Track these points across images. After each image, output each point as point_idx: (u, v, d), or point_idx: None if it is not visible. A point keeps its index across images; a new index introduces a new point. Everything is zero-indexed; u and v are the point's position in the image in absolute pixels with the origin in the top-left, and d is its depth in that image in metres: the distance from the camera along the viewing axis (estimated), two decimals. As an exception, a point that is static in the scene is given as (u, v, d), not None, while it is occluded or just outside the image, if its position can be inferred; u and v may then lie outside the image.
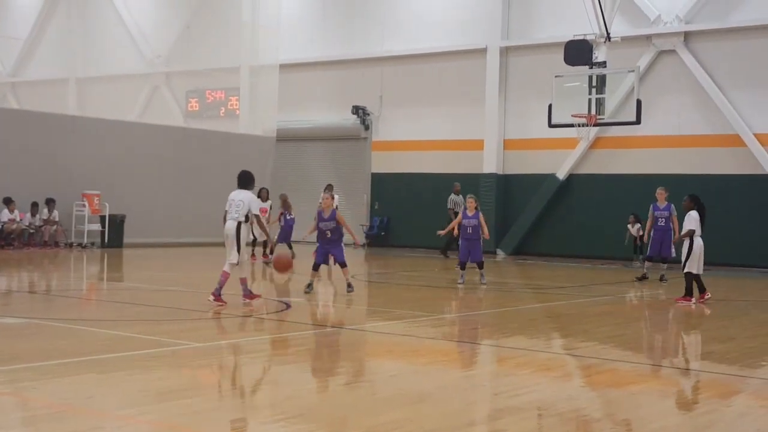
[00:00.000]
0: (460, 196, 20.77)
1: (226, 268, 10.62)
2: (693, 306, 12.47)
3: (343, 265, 12.31)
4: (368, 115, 26.02)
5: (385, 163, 25.83)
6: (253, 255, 18.72)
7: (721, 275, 16.01)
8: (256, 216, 10.88)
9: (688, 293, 12.61)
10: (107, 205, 21.50)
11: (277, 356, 8.08)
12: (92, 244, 21.59)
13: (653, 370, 7.90)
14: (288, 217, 18.40)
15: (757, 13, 20.19)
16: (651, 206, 15.77)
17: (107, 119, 23.34)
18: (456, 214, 18.97)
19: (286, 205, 18.42)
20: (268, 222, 18.66)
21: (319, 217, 12.30)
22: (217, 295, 10.55)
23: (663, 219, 15.53)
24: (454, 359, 8.15)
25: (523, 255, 22.93)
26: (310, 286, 12.31)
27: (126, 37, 30.75)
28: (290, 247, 18.51)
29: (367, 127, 26.12)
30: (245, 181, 10.92)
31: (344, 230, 12.50)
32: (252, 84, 27.50)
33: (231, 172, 24.33)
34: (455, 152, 24.52)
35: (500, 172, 23.75)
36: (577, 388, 7.08)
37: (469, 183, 23.01)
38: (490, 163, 23.77)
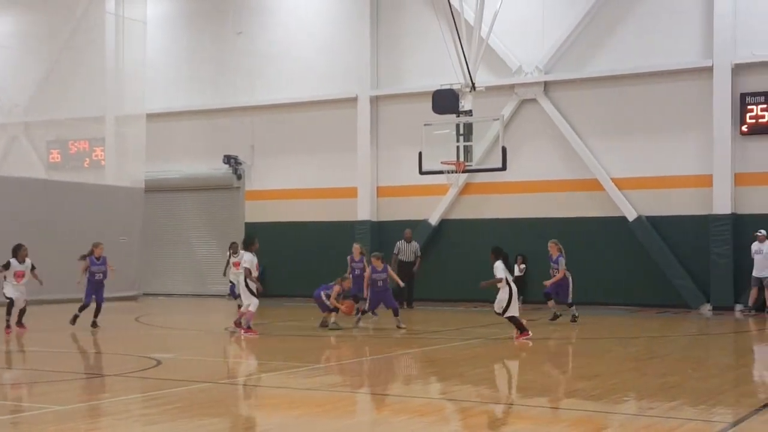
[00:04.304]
0: (413, 243, 21.27)
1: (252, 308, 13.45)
2: (530, 343, 13.12)
3: (396, 312, 15.19)
4: (240, 164, 25.78)
5: (260, 213, 25.56)
6: (8, 327, 15.33)
7: (585, 314, 16.65)
8: (247, 269, 13.16)
9: (522, 330, 13.45)
10: (-40, 264, 20.19)
11: (144, 416, 7.74)
12: (-57, 305, 20.20)
13: (524, 410, 8.07)
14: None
15: (610, 64, 21.45)
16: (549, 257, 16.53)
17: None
18: (399, 260, 20.69)
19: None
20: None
21: (373, 270, 15.33)
22: (248, 328, 13.36)
23: (555, 270, 16.31)
24: (330, 410, 8.06)
25: (399, 300, 23.02)
26: (359, 320, 15.36)
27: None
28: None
29: (239, 177, 25.85)
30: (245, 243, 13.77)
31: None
32: (118, 133, 26.70)
33: (97, 224, 23.99)
34: (329, 200, 24.58)
35: (374, 219, 23.97)
36: (452, 433, 7.14)
37: (344, 230, 23.09)
38: (364, 210, 23.97)
